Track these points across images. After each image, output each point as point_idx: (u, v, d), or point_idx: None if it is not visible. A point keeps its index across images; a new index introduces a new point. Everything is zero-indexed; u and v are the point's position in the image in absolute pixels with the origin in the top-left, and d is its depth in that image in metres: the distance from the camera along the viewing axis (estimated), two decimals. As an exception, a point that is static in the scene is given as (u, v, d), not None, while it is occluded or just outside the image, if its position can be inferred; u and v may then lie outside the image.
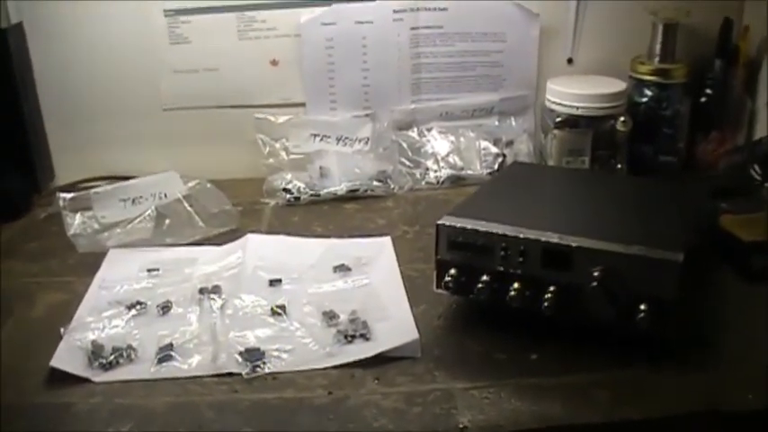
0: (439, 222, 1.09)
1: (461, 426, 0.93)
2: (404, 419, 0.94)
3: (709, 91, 1.61)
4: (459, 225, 1.08)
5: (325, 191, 1.54)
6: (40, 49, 1.57)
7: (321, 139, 1.63)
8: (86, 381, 1.02)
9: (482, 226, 1.07)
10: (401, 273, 1.25)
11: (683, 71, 1.56)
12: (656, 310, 0.99)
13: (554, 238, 1.03)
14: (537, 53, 1.67)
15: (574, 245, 1.02)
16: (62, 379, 1.02)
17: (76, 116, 1.62)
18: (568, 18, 1.64)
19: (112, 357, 1.05)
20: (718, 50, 1.61)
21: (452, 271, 1.08)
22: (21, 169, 1.53)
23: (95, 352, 1.06)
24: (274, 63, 1.63)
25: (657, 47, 1.57)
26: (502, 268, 1.06)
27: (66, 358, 1.04)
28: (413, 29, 1.62)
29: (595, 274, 1.00)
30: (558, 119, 1.51)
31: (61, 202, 1.42)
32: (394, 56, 1.64)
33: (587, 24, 1.65)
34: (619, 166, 1.53)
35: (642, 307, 0.99)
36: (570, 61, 1.67)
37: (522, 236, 1.04)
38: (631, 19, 1.61)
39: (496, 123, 1.70)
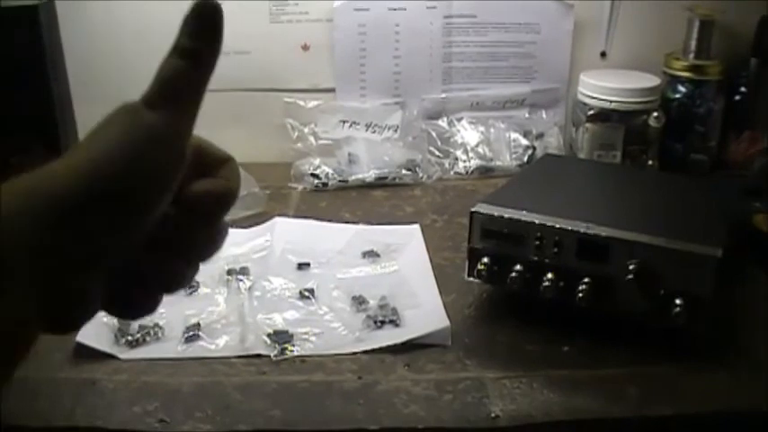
0: (473, 210, 1.08)
1: (494, 415, 0.92)
2: (435, 407, 0.94)
3: (743, 89, 1.60)
4: (493, 213, 1.07)
5: (354, 177, 1.53)
6: (70, 32, 1.55)
7: (350, 126, 1.62)
8: (112, 357, 1.02)
9: (516, 214, 1.06)
10: (430, 261, 1.24)
11: (717, 69, 1.55)
12: (691, 305, 0.97)
13: (590, 228, 1.02)
14: (570, 46, 1.65)
15: (611, 236, 1.01)
16: (88, 355, 1.01)
17: (105, 98, 1.55)
18: (603, 11, 1.63)
19: (139, 335, 1.05)
20: (754, 49, 1.59)
21: (485, 259, 1.07)
22: (49, 151, 1.52)
23: (122, 329, 1.05)
24: (305, 48, 1.62)
25: (693, 43, 1.55)
26: (536, 258, 1.05)
27: (93, 334, 1.03)
28: (446, 17, 1.61)
29: (632, 267, 0.99)
30: (591, 112, 1.50)
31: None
32: (426, 44, 1.63)
33: (622, 18, 1.63)
34: (650, 162, 1.52)
35: (677, 302, 0.98)
36: (603, 55, 1.66)
37: (557, 225, 1.03)
38: (667, 14, 1.59)
39: (527, 115, 1.68)
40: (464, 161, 1.61)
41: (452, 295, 1.15)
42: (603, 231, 1.02)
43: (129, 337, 1.04)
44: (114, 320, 1.06)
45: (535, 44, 1.65)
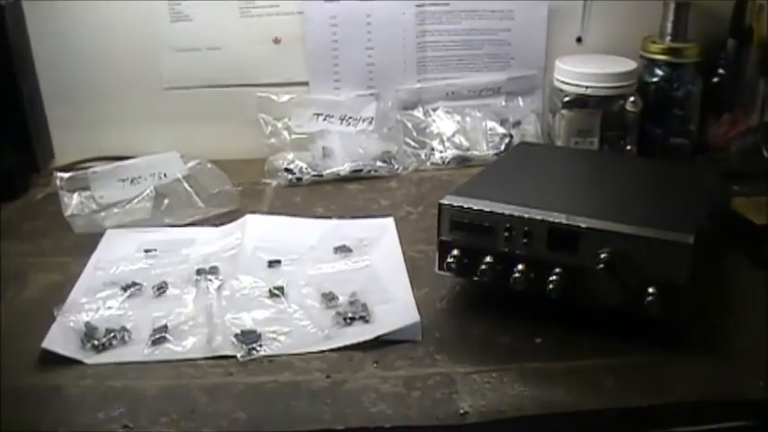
0: (441, 202, 1.06)
1: (462, 411, 0.90)
2: (403, 404, 0.92)
3: (721, 71, 1.58)
4: (462, 205, 1.05)
5: (328, 171, 1.52)
6: (38, 28, 1.54)
7: (324, 119, 1.61)
8: (78, 363, 1.00)
9: (486, 206, 1.04)
10: (403, 254, 1.23)
11: (695, 51, 1.53)
12: (665, 294, 0.96)
13: (560, 218, 1.00)
14: (545, 31, 1.63)
15: (580, 225, 0.99)
16: (53, 361, 1.00)
17: (76, 96, 1.60)
18: (578, -4, 1.61)
19: (105, 339, 1.03)
20: (732, 30, 1.57)
21: (455, 252, 1.05)
22: (19, 149, 1.50)
23: (88, 333, 1.04)
24: (277, 41, 1.60)
25: (669, 26, 1.54)
26: (506, 249, 1.03)
27: (59, 340, 1.02)
28: (418, 6, 1.59)
29: (602, 255, 0.97)
30: (567, 98, 1.49)
31: (58, 182, 1.39)
32: (399, 34, 1.61)
33: (597, 3, 1.61)
34: (628, 147, 1.51)
35: (651, 291, 0.96)
36: (579, 40, 1.64)
37: (526, 216, 1.01)
38: (642, -3, 1.58)
39: (503, 103, 1.67)
40: (440, 151, 1.59)
41: (425, 289, 1.13)
42: (574, 221, 1.00)
43: (96, 342, 1.02)
44: (81, 325, 1.04)
45: (510, 31, 1.63)
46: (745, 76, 1.58)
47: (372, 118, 1.61)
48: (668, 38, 1.54)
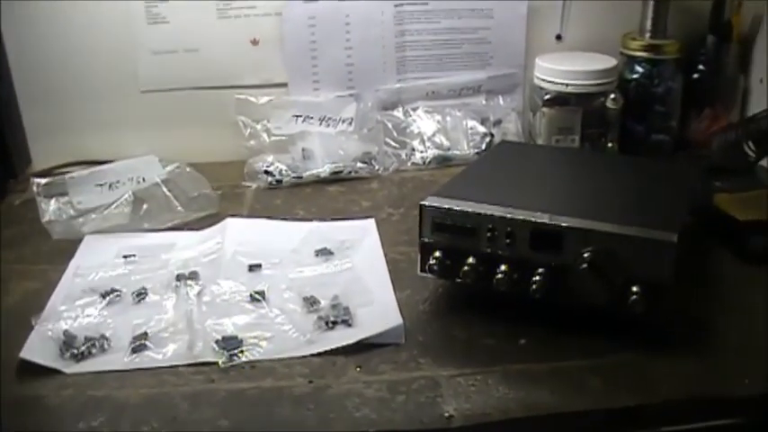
0: (422, 203, 1.05)
1: (447, 415, 0.89)
2: (387, 408, 0.91)
3: (701, 67, 1.58)
4: (443, 206, 1.04)
5: (308, 173, 1.51)
6: (13, 31, 1.52)
7: (304, 120, 1.59)
8: (57, 372, 0.99)
9: (467, 206, 1.03)
10: (385, 256, 1.22)
11: (675, 47, 1.53)
12: (649, 292, 0.95)
13: (542, 218, 1.00)
14: (525, 30, 1.63)
15: (563, 225, 0.98)
16: (33, 371, 0.98)
17: (53, 100, 1.58)
18: (557, -6, 1.61)
19: (84, 348, 1.02)
20: (711, 26, 1.57)
21: (437, 254, 1.04)
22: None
23: (67, 342, 1.02)
24: (255, 42, 1.59)
25: (648, 22, 1.54)
26: (488, 250, 1.02)
27: (37, 349, 1.01)
28: (397, 6, 1.58)
29: (585, 255, 0.97)
30: (547, 96, 1.48)
31: (35, 188, 1.37)
32: (378, 34, 1.60)
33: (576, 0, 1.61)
34: (610, 144, 1.50)
35: (635, 290, 0.96)
36: (559, 38, 1.64)
37: (509, 216, 1.01)
38: (621, -6, 1.57)
39: (484, 102, 1.66)
40: (421, 151, 1.59)
41: (407, 291, 1.13)
42: (556, 220, 0.99)
43: (75, 351, 1.01)
44: (60, 334, 1.03)
45: (489, 29, 1.62)
46: (725, 71, 1.58)
47: (352, 119, 1.60)
48: (648, 34, 1.54)
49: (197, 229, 1.32)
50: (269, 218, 1.36)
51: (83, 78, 1.58)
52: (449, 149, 1.59)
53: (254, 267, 1.19)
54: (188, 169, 1.42)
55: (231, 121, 1.58)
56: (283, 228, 1.32)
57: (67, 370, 0.99)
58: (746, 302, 1.10)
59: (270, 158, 1.53)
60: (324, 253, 1.22)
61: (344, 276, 1.17)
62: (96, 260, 1.23)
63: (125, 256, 1.24)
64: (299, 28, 1.57)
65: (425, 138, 1.60)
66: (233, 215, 1.35)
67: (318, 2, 1.56)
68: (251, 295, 1.11)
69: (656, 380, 0.95)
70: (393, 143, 1.60)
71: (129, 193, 1.36)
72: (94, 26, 1.54)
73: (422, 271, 1.07)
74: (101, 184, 1.39)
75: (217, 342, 1.01)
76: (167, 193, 1.37)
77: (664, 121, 1.55)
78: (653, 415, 0.93)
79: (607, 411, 0.92)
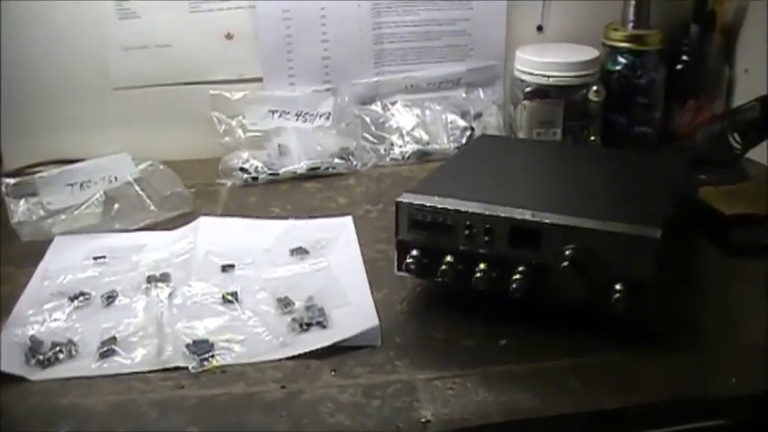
0: (399, 200, 1.03)
1: (424, 420, 0.87)
2: (362, 414, 0.88)
3: (685, 58, 1.57)
4: (420, 203, 1.02)
5: (285, 169, 1.49)
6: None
7: (280, 116, 1.57)
8: (23, 380, 0.96)
9: (445, 203, 1.01)
10: (362, 255, 1.20)
11: (657, 38, 1.51)
12: (632, 290, 0.93)
13: (522, 214, 0.97)
14: (505, 21, 1.61)
15: (543, 222, 0.96)
16: (-3, 379, 0.95)
17: (23, 99, 1.55)
18: (537, -17, 1.59)
19: (51, 353, 0.99)
20: (695, 16, 1.57)
21: (414, 252, 1.02)
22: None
23: (33, 348, 1.00)
24: (229, 37, 1.56)
25: (631, 12, 1.52)
26: (466, 248, 1.00)
27: (2, 356, 0.97)
28: (374, -3, 1.57)
29: (566, 252, 0.95)
30: (528, 89, 1.47)
31: (3, 188, 1.35)
32: (354, 26, 1.58)
33: (557, -10, 1.59)
34: (592, 137, 1.49)
35: (617, 287, 0.94)
36: (540, 29, 1.62)
37: (487, 213, 0.98)
38: (604, -16, 1.56)
39: (464, 95, 1.65)
40: (400, 146, 1.57)
41: (384, 290, 1.10)
42: (536, 217, 0.97)
43: (41, 357, 0.98)
44: (26, 339, 1.00)
45: (468, 21, 1.60)
46: (708, 62, 1.57)
47: (329, 113, 1.58)
48: (630, 25, 1.52)
49: (170, 229, 1.30)
50: (243, 216, 1.33)
51: (54, 77, 1.55)
52: (428, 144, 1.57)
53: (226, 268, 1.16)
54: (161, 167, 1.39)
55: (206, 117, 1.55)
56: (258, 226, 1.30)
57: (33, 377, 0.96)
58: (732, 298, 1.09)
59: (245, 155, 1.51)
60: (299, 252, 1.20)
61: (320, 276, 1.14)
62: (66, 262, 1.21)
63: (95, 258, 1.21)
64: (273, 22, 1.55)
65: (404, 132, 1.59)
66: (206, 214, 1.33)
67: (293, -5, 1.54)
68: (223, 297, 1.08)
69: (640, 380, 0.93)
70: (371, 138, 1.58)
71: (100, 192, 1.33)
72: (64, 23, 1.52)
73: (399, 270, 1.04)
74: (71, 184, 1.37)
75: (187, 346, 0.98)
76: (140, 192, 1.34)
77: (647, 113, 1.54)
78: (636, 417, 0.91)
79: (590, 414, 0.89)
